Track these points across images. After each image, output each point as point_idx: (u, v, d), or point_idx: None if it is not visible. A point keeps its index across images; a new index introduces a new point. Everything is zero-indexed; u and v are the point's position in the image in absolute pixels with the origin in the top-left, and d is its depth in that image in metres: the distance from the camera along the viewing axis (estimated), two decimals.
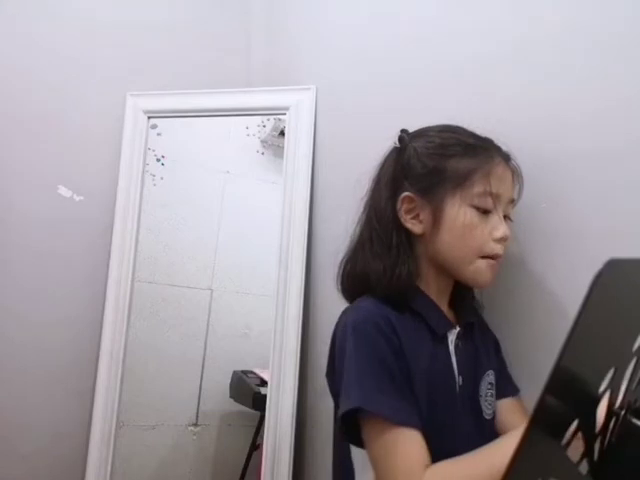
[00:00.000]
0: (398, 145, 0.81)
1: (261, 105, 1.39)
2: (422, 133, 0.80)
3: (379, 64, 1.16)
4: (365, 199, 0.83)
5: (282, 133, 1.38)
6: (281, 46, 1.50)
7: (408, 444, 0.65)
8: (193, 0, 1.56)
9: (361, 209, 0.83)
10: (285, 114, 1.35)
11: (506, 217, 0.77)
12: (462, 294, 0.83)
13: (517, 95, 0.88)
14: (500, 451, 0.62)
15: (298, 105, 1.33)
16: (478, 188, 0.73)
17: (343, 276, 0.82)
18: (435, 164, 0.76)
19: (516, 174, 0.79)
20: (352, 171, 0.83)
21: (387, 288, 0.75)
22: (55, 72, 1.38)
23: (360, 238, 0.81)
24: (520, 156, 0.79)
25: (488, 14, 0.94)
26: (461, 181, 0.74)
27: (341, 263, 0.83)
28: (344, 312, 0.77)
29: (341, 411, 0.68)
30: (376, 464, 0.67)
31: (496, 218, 0.74)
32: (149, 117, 1.42)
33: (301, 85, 1.35)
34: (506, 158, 0.78)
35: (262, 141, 1.47)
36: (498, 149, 0.78)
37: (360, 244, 0.80)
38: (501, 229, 0.74)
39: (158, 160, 1.44)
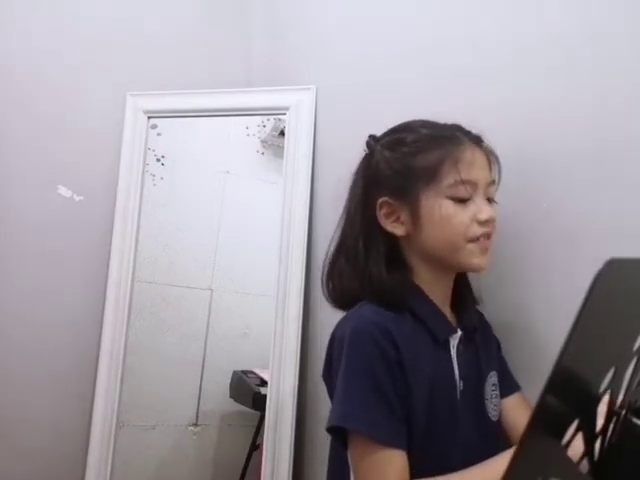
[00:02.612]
0: (367, 151, 0.82)
1: (261, 105, 1.39)
2: (389, 133, 0.81)
3: (379, 64, 1.16)
4: (343, 209, 0.83)
5: (282, 133, 1.38)
6: (281, 46, 1.50)
7: (388, 464, 0.65)
8: (193, 0, 1.56)
9: (339, 220, 0.83)
10: (285, 114, 1.35)
11: (490, 200, 0.76)
12: (464, 296, 0.82)
13: (517, 96, 0.88)
14: (488, 470, 0.62)
15: (298, 105, 1.33)
16: (448, 179, 0.72)
17: (328, 290, 0.82)
18: (402, 165, 0.75)
19: (491, 155, 0.78)
20: (352, 171, 0.83)
21: (372, 293, 0.75)
22: (55, 72, 1.38)
23: (337, 250, 0.81)
24: (521, 156, 0.79)
25: (486, 19, 0.94)
26: (431, 176, 0.73)
27: (325, 277, 0.82)
28: (344, 319, 0.77)
29: (326, 426, 0.70)
30: (356, 478, 0.68)
31: (477, 202, 0.73)
32: (149, 117, 1.42)
33: (301, 85, 1.35)
34: (476, 141, 0.76)
35: (262, 141, 1.46)
36: (466, 133, 0.77)
37: (336, 256, 0.81)
38: (485, 211, 0.73)
39: (158, 160, 1.44)
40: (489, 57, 0.93)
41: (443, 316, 0.77)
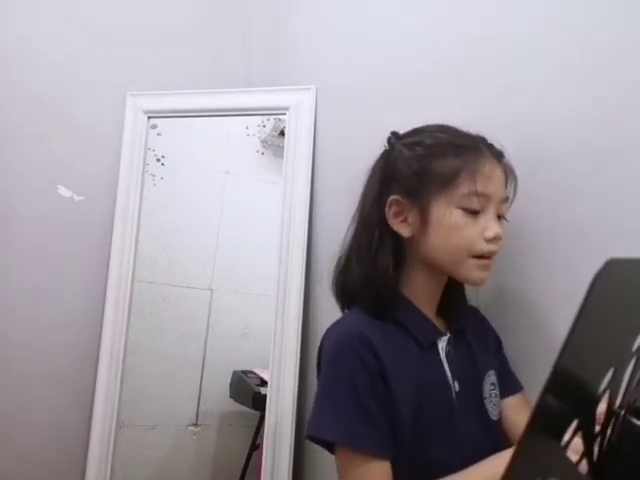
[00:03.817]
0: (387, 148, 0.81)
1: (261, 105, 1.39)
2: (412, 134, 0.80)
3: (379, 64, 1.16)
4: (357, 205, 0.82)
5: (282, 133, 1.38)
6: (281, 46, 1.50)
7: (370, 475, 0.66)
8: (193, 0, 1.56)
9: (354, 215, 0.82)
10: (285, 114, 1.35)
11: (500, 216, 0.76)
12: (452, 299, 0.82)
13: (518, 95, 0.88)
14: (485, 470, 0.63)
15: (298, 105, 1.33)
16: (463, 189, 0.72)
17: (335, 285, 0.82)
18: (420, 165, 0.74)
19: (509, 172, 0.77)
20: (352, 171, 0.83)
21: (370, 295, 0.75)
22: (55, 72, 1.38)
23: (350, 245, 0.81)
24: (521, 156, 0.79)
25: (486, 19, 0.94)
26: (446, 182, 0.72)
27: (334, 272, 0.82)
28: (328, 330, 0.78)
29: (304, 434, 0.71)
30: None
31: (487, 218, 0.73)
32: (149, 117, 1.42)
33: (301, 85, 1.35)
34: (497, 156, 0.76)
35: (262, 141, 1.46)
36: (489, 147, 0.76)
37: (349, 251, 0.80)
38: (492, 229, 0.72)
39: (158, 160, 1.44)
40: (490, 57, 0.93)
41: (427, 321, 0.77)
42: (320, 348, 0.77)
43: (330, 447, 0.71)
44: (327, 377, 0.72)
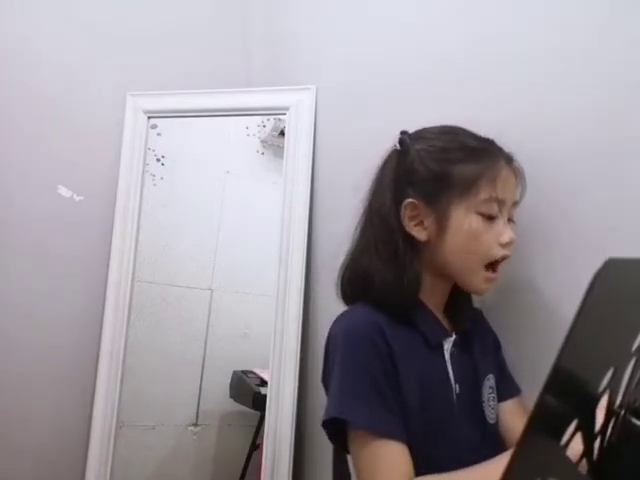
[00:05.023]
0: (399, 148, 0.80)
1: (261, 105, 1.39)
2: (422, 135, 0.78)
3: (379, 64, 1.16)
4: (365, 203, 0.81)
5: (282, 133, 1.38)
6: (281, 46, 1.50)
7: (389, 456, 0.65)
8: (193, 0, 1.56)
9: (361, 213, 0.81)
10: (285, 114, 1.35)
11: (509, 220, 0.76)
12: (459, 301, 0.81)
13: (518, 95, 0.88)
14: (490, 470, 0.62)
15: (298, 105, 1.33)
16: (484, 194, 0.72)
17: (343, 281, 0.81)
18: (440, 169, 0.74)
19: (519, 175, 0.77)
20: (352, 171, 0.83)
21: (390, 296, 0.73)
22: (55, 72, 1.38)
23: (361, 243, 0.79)
24: (520, 156, 0.79)
25: (486, 20, 0.94)
26: (467, 188, 0.72)
27: (341, 268, 0.81)
28: (337, 319, 0.77)
29: (322, 419, 0.70)
30: (359, 474, 0.68)
31: (501, 223, 0.73)
32: (149, 117, 1.42)
33: (301, 85, 1.35)
34: (509, 160, 0.76)
35: (262, 141, 1.46)
36: (500, 150, 0.76)
37: (361, 249, 0.79)
38: (507, 233, 0.73)
39: (158, 160, 1.44)
40: (490, 57, 0.93)
41: (437, 321, 0.77)
42: (329, 337, 0.76)
43: (337, 441, 0.71)
44: (341, 364, 0.70)
